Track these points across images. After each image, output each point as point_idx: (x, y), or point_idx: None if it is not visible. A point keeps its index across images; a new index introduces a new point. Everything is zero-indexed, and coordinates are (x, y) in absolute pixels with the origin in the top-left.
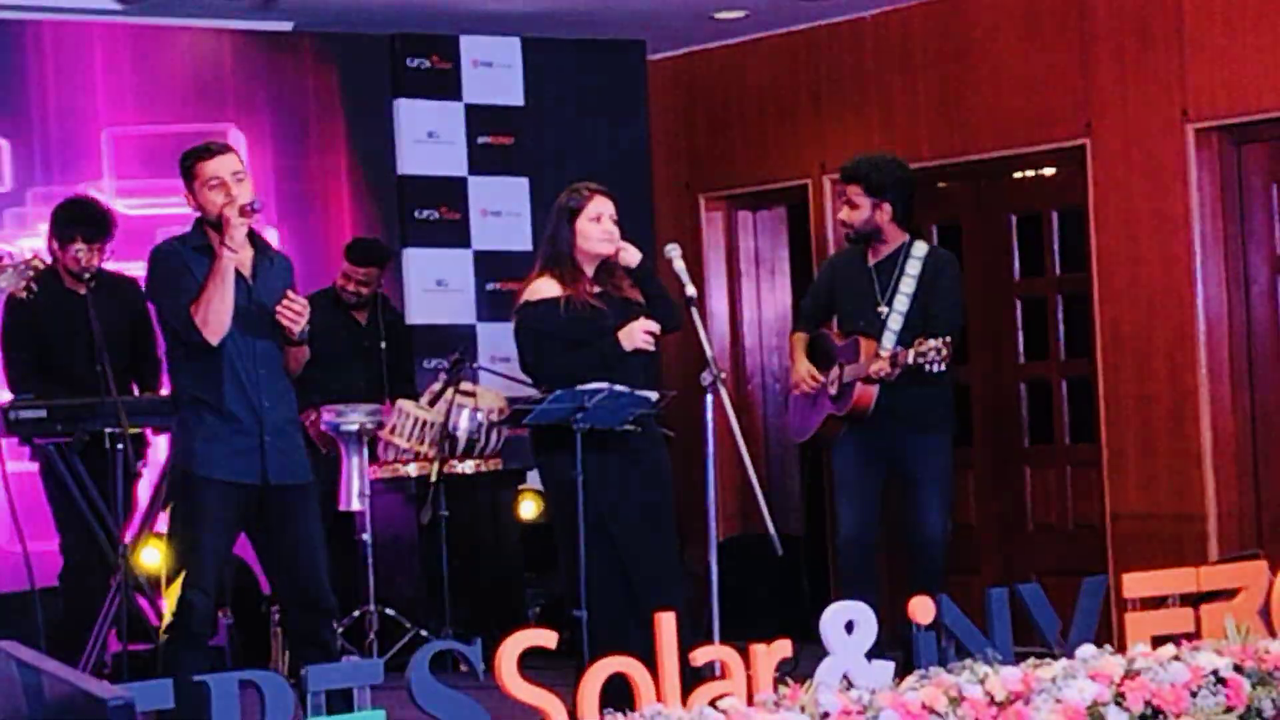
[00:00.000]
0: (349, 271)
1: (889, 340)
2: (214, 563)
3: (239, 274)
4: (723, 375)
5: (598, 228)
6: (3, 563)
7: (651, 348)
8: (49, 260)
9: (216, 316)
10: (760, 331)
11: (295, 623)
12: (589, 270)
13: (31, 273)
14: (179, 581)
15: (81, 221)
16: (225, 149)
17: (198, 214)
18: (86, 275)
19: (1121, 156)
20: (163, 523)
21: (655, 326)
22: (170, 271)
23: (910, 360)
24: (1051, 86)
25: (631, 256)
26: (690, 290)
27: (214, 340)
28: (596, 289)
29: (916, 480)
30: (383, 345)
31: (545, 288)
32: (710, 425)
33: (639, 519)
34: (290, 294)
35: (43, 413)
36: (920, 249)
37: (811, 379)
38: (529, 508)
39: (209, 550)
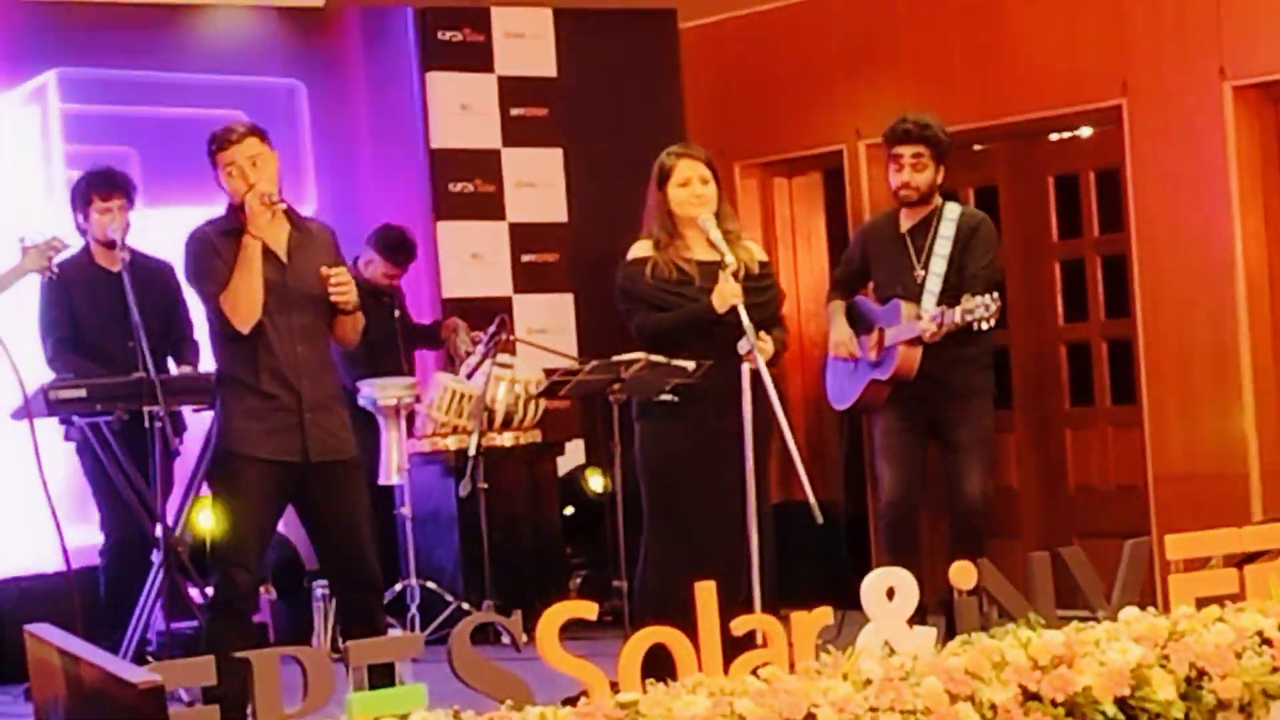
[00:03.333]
0: (390, 272)
1: (928, 303)
2: (256, 540)
3: (272, 253)
4: (759, 343)
5: (684, 193)
6: (42, 544)
7: (738, 300)
8: (66, 244)
9: (245, 304)
10: (798, 298)
11: (342, 599)
12: (692, 232)
13: (52, 253)
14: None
15: (96, 183)
16: (245, 135)
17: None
18: (115, 242)
19: (1159, 116)
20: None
21: (736, 288)
22: (199, 257)
23: (957, 319)
24: (1087, 46)
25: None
26: (729, 259)
27: (243, 328)
28: (693, 254)
29: (958, 445)
30: (396, 317)
31: (638, 249)
32: (747, 393)
33: (706, 491)
34: (327, 269)
35: (82, 392)
36: (953, 210)
37: (849, 349)
38: (597, 482)
39: (250, 527)
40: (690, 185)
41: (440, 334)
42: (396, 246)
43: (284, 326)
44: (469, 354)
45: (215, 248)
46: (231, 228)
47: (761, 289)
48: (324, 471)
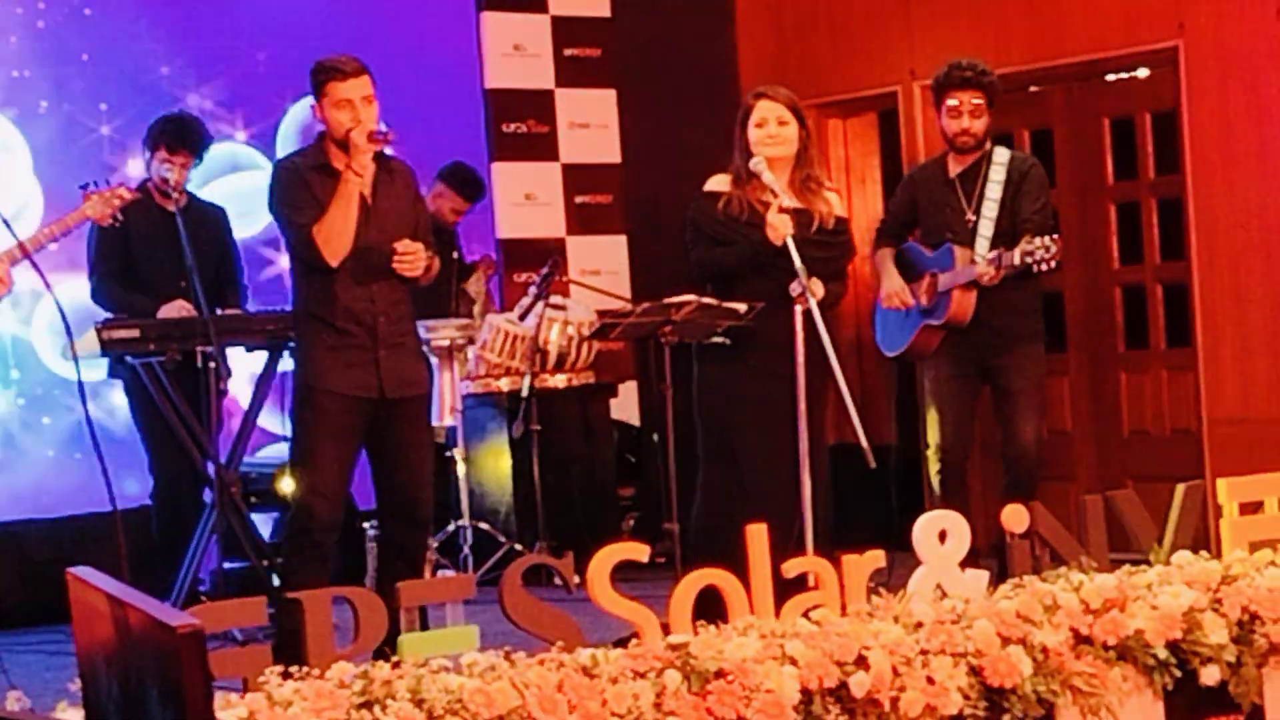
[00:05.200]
0: (459, 207)
1: (982, 247)
2: (336, 473)
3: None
4: (812, 286)
5: (760, 133)
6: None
7: (789, 233)
8: (135, 191)
9: (339, 239)
10: (853, 241)
11: (389, 530)
12: (775, 173)
13: (118, 201)
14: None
15: (169, 133)
16: (360, 71)
17: (321, 128)
18: (172, 192)
19: (1214, 56)
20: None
21: (785, 219)
22: (290, 190)
23: (1016, 260)
24: None
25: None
26: (786, 202)
27: (334, 262)
28: (783, 198)
29: (1010, 390)
30: (454, 257)
31: (716, 183)
32: (799, 336)
33: (761, 433)
34: (401, 244)
35: (135, 332)
36: (1002, 155)
37: (901, 298)
38: None
39: (330, 459)
40: (766, 126)
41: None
42: (469, 182)
43: (362, 264)
44: (476, 291)
45: (305, 180)
46: (322, 162)
47: (831, 243)
48: (396, 407)
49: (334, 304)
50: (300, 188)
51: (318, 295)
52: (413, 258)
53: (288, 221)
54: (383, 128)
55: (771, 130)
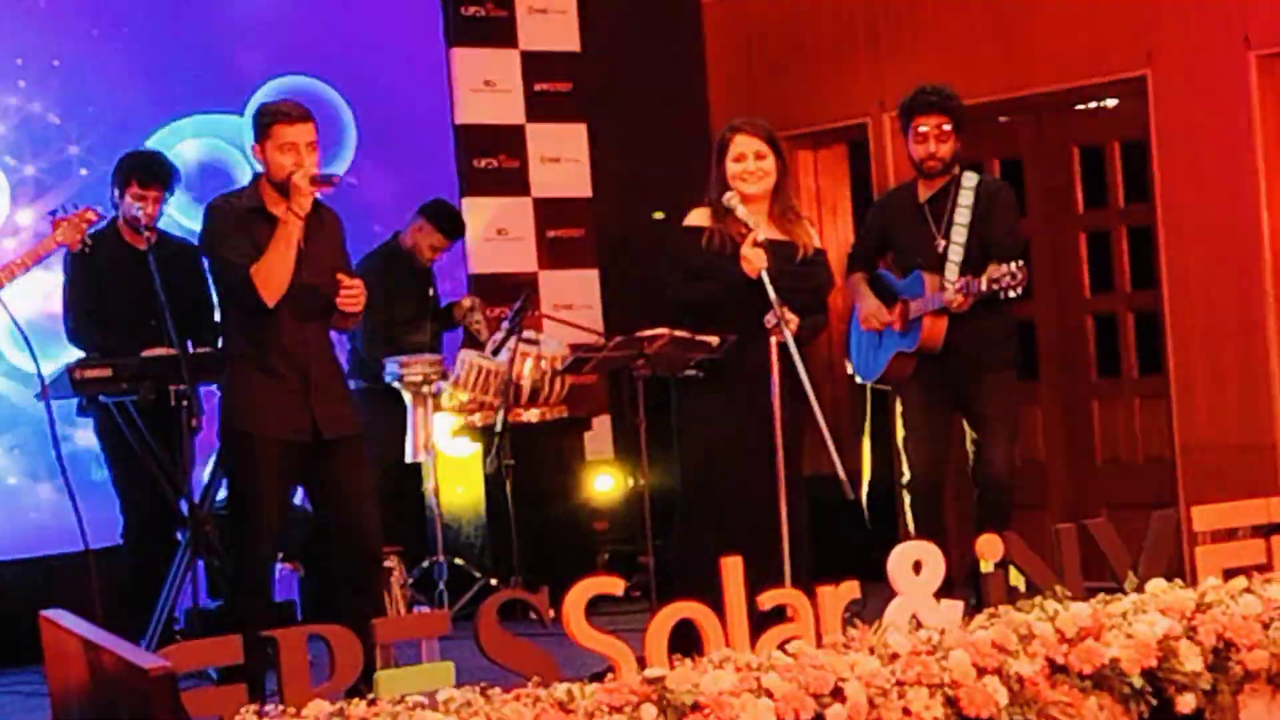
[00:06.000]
0: (438, 244)
1: (951, 273)
2: (275, 517)
3: None
4: (787, 317)
5: (738, 167)
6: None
7: (764, 267)
8: (102, 214)
9: (277, 279)
10: None
11: (345, 570)
12: (752, 206)
13: (86, 225)
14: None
15: (139, 168)
16: (306, 118)
17: (260, 171)
18: (144, 229)
19: (1183, 86)
20: None
21: (759, 253)
22: (226, 230)
23: (983, 287)
24: (1111, 16)
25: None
26: (760, 236)
27: (271, 302)
28: (757, 232)
29: (983, 418)
30: (430, 295)
31: (695, 217)
32: (775, 367)
33: (740, 466)
34: (346, 279)
35: (108, 371)
36: (970, 179)
37: (879, 320)
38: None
39: (269, 505)
40: (744, 160)
41: (455, 315)
42: (450, 219)
43: (296, 306)
44: (478, 328)
45: (240, 222)
46: (256, 205)
47: (811, 274)
48: (333, 447)
49: (268, 346)
50: (237, 228)
51: (251, 336)
52: (357, 292)
53: (224, 261)
54: (327, 172)
55: (750, 165)
